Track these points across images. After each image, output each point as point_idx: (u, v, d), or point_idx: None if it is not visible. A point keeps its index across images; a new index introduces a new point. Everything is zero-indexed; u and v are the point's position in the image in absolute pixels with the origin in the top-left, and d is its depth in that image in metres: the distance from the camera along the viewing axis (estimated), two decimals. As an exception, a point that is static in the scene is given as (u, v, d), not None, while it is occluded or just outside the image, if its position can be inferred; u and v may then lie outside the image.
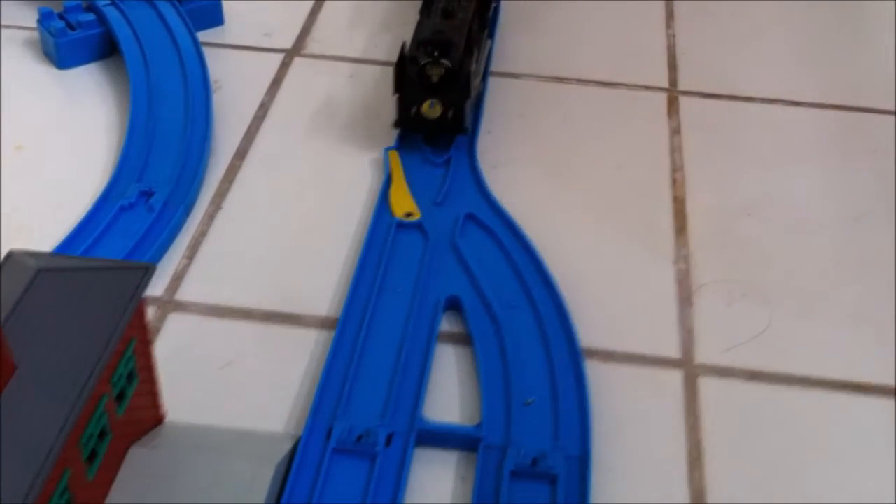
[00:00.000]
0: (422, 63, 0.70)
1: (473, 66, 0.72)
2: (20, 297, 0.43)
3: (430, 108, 0.71)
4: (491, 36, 0.84)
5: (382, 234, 0.66)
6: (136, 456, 0.49)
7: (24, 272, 0.44)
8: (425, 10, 0.76)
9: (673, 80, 0.83)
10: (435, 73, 0.70)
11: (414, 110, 0.71)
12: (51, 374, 0.42)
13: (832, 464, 0.55)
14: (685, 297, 0.65)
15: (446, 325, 0.62)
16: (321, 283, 0.64)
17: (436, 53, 0.70)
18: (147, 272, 0.48)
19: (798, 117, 0.80)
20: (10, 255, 0.45)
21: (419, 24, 0.74)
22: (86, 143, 0.75)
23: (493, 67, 0.83)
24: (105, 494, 0.48)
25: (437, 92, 0.71)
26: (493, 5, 0.85)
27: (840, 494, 0.54)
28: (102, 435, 0.46)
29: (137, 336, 0.49)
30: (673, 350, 0.61)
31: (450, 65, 0.70)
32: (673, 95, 0.82)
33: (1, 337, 0.40)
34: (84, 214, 0.67)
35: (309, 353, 0.60)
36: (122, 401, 0.48)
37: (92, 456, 0.46)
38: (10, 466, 0.38)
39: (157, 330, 0.61)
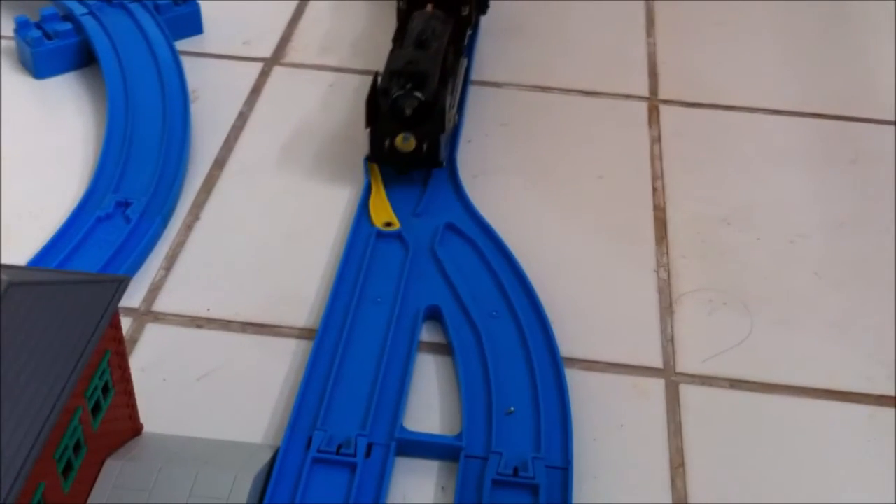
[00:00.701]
0: (394, 95, 0.67)
1: (449, 98, 0.70)
2: (-8, 311, 0.43)
3: (404, 142, 0.68)
4: (468, 67, 0.82)
5: (362, 244, 0.66)
6: (113, 468, 0.49)
7: (-4, 286, 0.43)
8: (398, 39, 0.74)
9: (654, 89, 0.83)
10: (408, 106, 0.67)
11: (387, 143, 0.69)
12: (23, 387, 0.41)
13: (814, 470, 0.55)
14: (666, 306, 0.64)
15: (426, 334, 0.61)
16: (300, 292, 0.64)
17: (409, 85, 0.67)
18: (120, 285, 0.47)
19: (779, 126, 0.80)
20: (-20, 269, 0.44)
21: (392, 54, 0.71)
22: (62, 153, 0.74)
23: (474, 76, 0.83)
24: (81, 507, 0.47)
25: (411, 125, 0.68)
26: (469, 33, 0.82)
27: (822, 499, 0.54)
28: (77, 448, 0.46)
29: (112, 348, 0.49)
30: (654, 359, 0.61)
31: (423, 97, 0.67)
32: (654, 104, 0.82)
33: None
34: (60, 225, 0.66)
35: (288, 363, 0.59)
36: (98, 413, 0.48)
37: (67, 469, 0.45)
38: (-18, 480, 0.38)
39: (135, 341, 0.60)
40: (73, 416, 0.45)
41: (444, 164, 0.71)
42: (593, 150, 0.77)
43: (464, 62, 0.79)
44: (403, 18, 0.76)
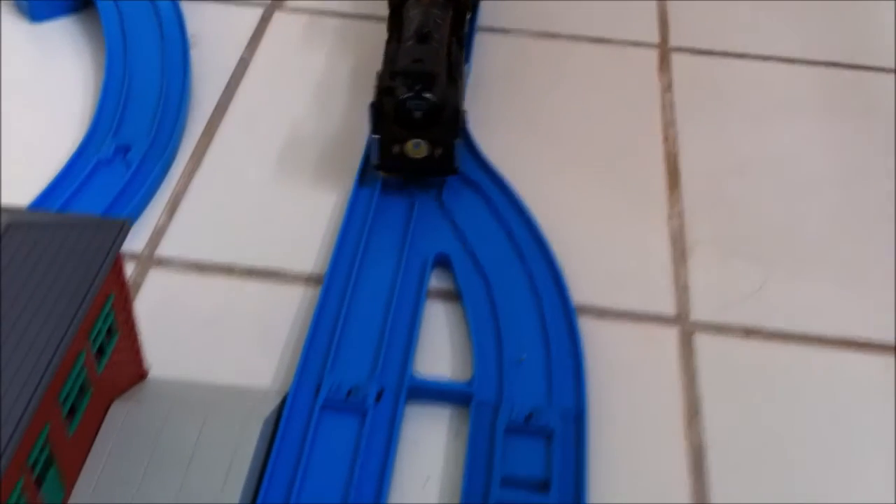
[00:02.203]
0: (401, 97, 0.61)
1: (460, 98, 0.64)
2: (-8, 252, 0.41)
3: (415, 149, 0.62)
4: (466, 59, 0.74)
5: (368, 191, 0.64)
6: (119, 411, 0.48)
7: (-5, 228, 0.42)
8: (394, 32, 0.67)
9: (664, 36, 0.81)
10: (417, 109, 0.61)
11: (396, 149, 0.62)
12: (26, 330, 0.40)
13: (828, 419, 0.55)
14: (679, 255, 0.63)
15: (435, 281, 0.60)
16: (306, 238, 0.63)
17: (417, 86, 0.61)
18: (123, 227, 0.46)
19: (792, 74, 0.78)
20: (-21, 211, 0.43)
21: (390, 50, 0.65)
22: (61, 98, 0.72)
23: (481, 23, 0.81)
24: (87, 449, 0.46)
25: (421, 130, 0.62)
26: (469, 17, 0.74)
27: (837, 449, 0.53)
28: (82, 391, 0.45)
29: (115, 292, 0.47)
30: (668, 307, 0.60)
31: (435, 100, 0.61)
32: (664, 51, 0.80)
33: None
34: (60, 169, 0.64)
35: (294, 309, 0.58)
36: (102, 356, 0.47)
37: (72, 411, 0.44)
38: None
39: (138, 286, 0.59)
40: (77, 358, 0.44)
41: (458, 171, 0.64)
42: (603, 98, 0.75)
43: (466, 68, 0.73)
44: (397, 3, 0.69)
